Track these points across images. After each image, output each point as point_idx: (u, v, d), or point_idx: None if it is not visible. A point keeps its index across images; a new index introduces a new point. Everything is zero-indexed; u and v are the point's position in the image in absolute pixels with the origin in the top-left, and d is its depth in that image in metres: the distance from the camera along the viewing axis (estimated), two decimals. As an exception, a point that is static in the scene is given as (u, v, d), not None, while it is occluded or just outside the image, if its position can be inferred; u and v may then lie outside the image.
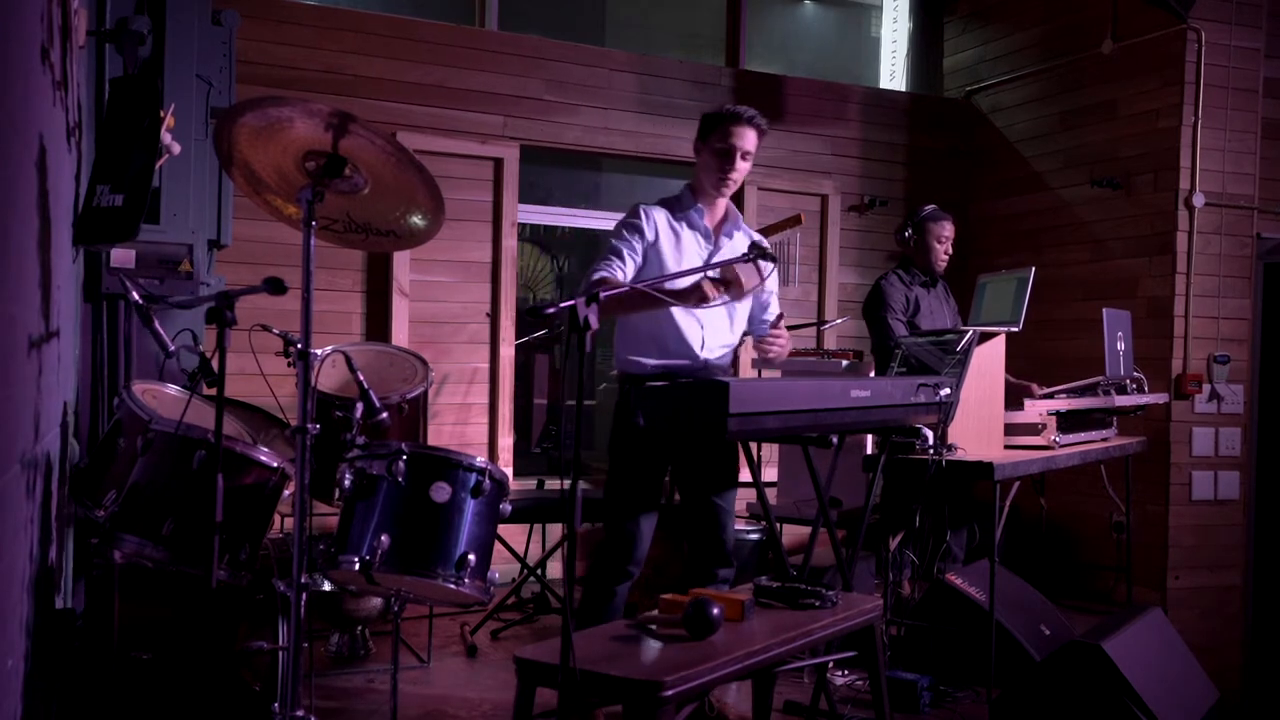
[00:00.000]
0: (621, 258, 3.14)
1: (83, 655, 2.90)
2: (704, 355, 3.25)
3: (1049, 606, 4.22)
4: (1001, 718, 3.50)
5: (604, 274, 3.09)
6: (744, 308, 3.31)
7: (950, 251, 4.67)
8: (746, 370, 5.62)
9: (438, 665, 3.99)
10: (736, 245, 3.29)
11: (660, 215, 3.23)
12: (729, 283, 2.89)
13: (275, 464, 2.89)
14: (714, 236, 3.29)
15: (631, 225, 3.19)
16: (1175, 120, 5.39)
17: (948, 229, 4.64)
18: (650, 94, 5.90)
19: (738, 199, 6.10)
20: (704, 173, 3.24)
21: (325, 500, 3.37)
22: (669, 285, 2.93)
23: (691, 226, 3.26)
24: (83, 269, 3.53)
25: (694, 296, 2.90)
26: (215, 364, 2.44)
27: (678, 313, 3.16)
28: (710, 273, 2.90)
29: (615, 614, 3.12)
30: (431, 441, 4.03)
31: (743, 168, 3.20)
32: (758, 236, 3.41)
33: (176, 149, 3.47)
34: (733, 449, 3.29)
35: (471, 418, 5.51)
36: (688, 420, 2.66)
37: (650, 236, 3.19)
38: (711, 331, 3.25)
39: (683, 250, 3.22)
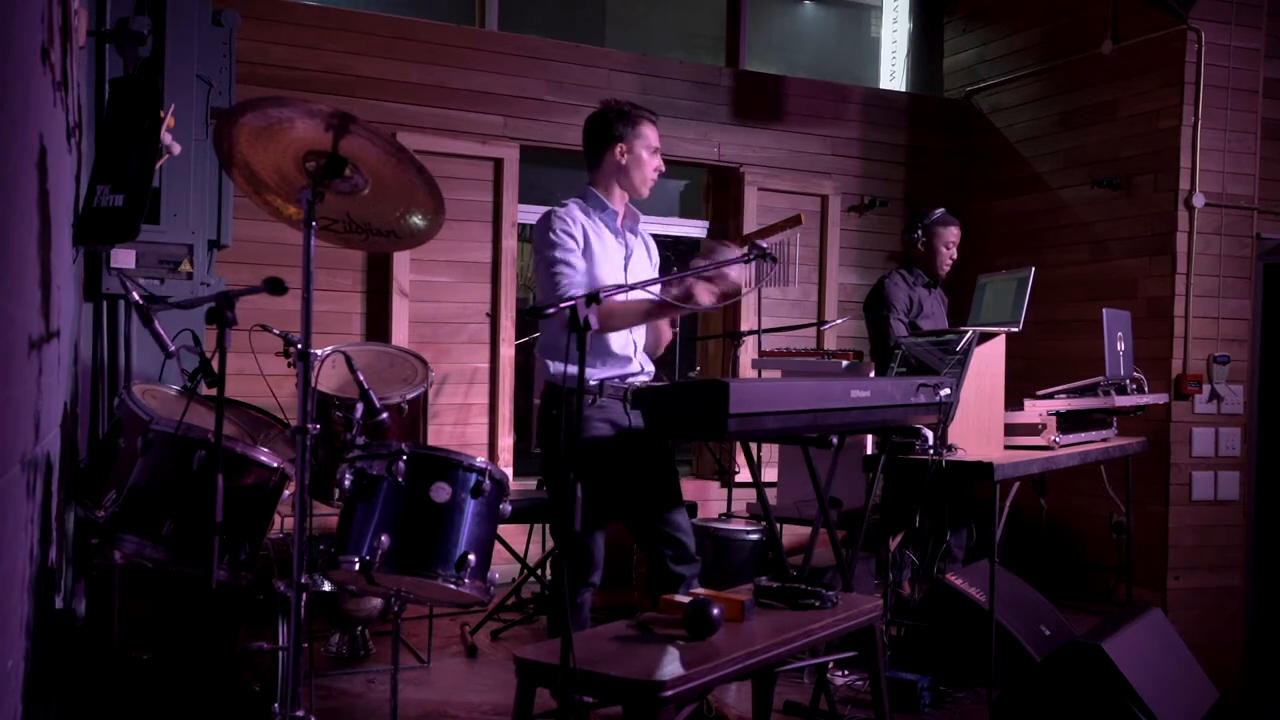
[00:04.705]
0: (575, 269, 3.06)
1: (83, 655, 2.90)
2: (639, 360, 3.19)
3: (1049, 606, 4.22)
4: (1001, 718, 3.50)
5: (577, 292, 2.97)
6: None
7: (955, 256, 4.73)
8: (746, 370, 5.62)
9: (438, 665, 3.99)
10: (643, 243, 3.29)
11: (580, 217, 3.13)
12: (723, 288, 2.86)
13: (275, 464, 2.89)
14: (623, 236, 3.23)
15: (565, 234, 3.08)
16: (1175, 120, 5.39)
17: (955, 233, 4.71)
18: (650, 94, 5.89)
19: (737, 197, 6.12)
20: (631, 171, 3.16)
21: (325, 500, 3.37)
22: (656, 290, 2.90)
23: (607, 228, 3.18)
24: (83, 269, 3.53)
25: (688, 300, 2.86)
26: (215, 364, 2.45)
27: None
28: (704, 275, 2.86)
29: (583, 624, 3.10)
30: (431, 442, 4.02)
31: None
32: (648, 235, 3.36)
33: (177, 149, 3.47)
34: (665, 451, 3.17)
35: (471, 418, 5.51)
36: (688, 420, 2.67)
37: (581, 243, 3.10)
38: (638, 336, 3.20)
39: (607, 253, 3.15)
